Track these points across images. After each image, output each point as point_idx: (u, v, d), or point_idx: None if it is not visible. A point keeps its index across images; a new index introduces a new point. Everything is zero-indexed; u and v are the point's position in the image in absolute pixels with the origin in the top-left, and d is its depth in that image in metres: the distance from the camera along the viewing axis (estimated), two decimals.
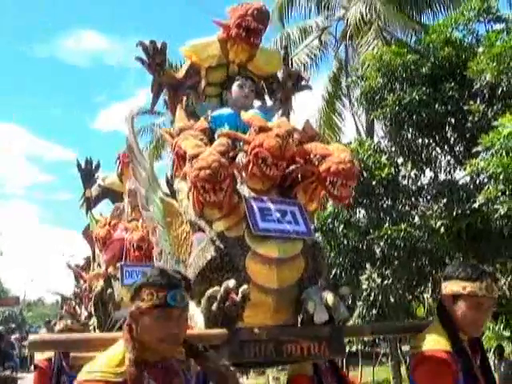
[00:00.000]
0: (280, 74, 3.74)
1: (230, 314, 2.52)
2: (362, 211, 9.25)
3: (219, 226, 2.81)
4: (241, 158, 2.95)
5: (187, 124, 3.16)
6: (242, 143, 3.01)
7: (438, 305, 2.60)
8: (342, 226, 8.99)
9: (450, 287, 2.45)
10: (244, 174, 2.89)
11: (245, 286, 2.52)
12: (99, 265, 6.60)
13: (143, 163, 3.54)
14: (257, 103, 3.70)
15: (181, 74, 3.66)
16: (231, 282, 2.54)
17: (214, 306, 2.55)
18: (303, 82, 3.78)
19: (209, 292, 2.60)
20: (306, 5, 14.36)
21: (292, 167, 2.93)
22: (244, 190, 2.89)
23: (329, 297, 2.61)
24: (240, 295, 2.50)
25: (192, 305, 2.68)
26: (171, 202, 3.22)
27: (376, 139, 10.40)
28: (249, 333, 2.57)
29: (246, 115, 3.07)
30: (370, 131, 11.83)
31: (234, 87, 3.46)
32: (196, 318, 2.74)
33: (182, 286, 2.04)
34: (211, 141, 3.03)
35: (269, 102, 3.78)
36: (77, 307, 7.87)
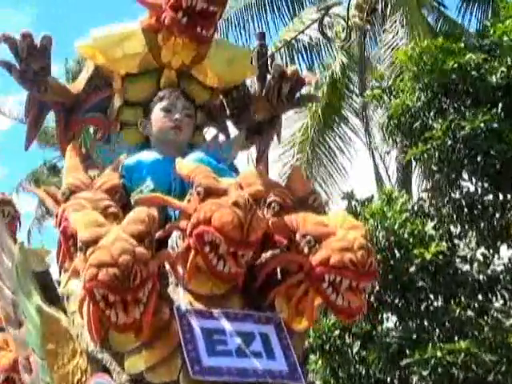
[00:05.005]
0: (250, 81, 3.84)
1: None
2: (393, 318, 9.23)
3: (136, 364, 2.78)
4: (175, 240, 2.95)
5: (83, 180, 3.16)
6: (176, 214, 3.04)
7: None
8: (357, 344, 8.95)
9: None
10: (181, 270, 2.87)
11: None
12: None
13: (8, 244, 3.51)
14: (210, 133, 3.80)
15: (79, 85, 3.71)
16: None
17: None
18: (306, 89, 3.97)
19: None
20: None
21: (265, 255, 2.94)
22: (181, 297, 2.88)
23: None
24: None
25: None
26: (56, 317, 3.16)
27: (415, 194, 10.48)
28: None
29: (182, 166, 3.08)
30: (403, 180, 11.97)
31: (156, 112, 3.50)
32: None
33: None
34: (125, 209, 3.02)
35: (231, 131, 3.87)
36: None
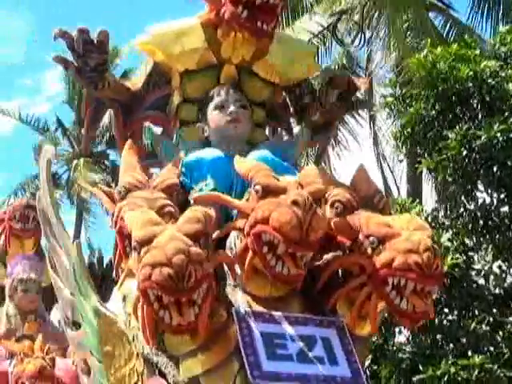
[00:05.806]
0: (317, 80, 3.80)
1: None
2: (406, 332, 9.13)
3: (191, 368, 2.77)
4: (233, 241, 2.95)
5: (140, 179, 3.15)
6: (234, 213, 3.02)
7: None
8: (368, 358, 8.87)
9: None
10: (239, 270, 2.87)
11: None
12: None
13: (67, 244, 3.51)
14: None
15: (137, 82, 3.73)
16: None
17: None
18: (359, 94, 3.86)
19: None
20: None
21: (326, 257, 2.93)
22: (239, 298, 2.88)
23: None
24: None
25: None
26: (113, 318, 3.18)
27: (428, 204, 10.44)
28: None
29: (240, 164, 3.07)
30: (414, 190, 11.96)
31: (210, 112, 3.49)
32: None
33: None
34: (185, 208, 3.02)
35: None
36: None
